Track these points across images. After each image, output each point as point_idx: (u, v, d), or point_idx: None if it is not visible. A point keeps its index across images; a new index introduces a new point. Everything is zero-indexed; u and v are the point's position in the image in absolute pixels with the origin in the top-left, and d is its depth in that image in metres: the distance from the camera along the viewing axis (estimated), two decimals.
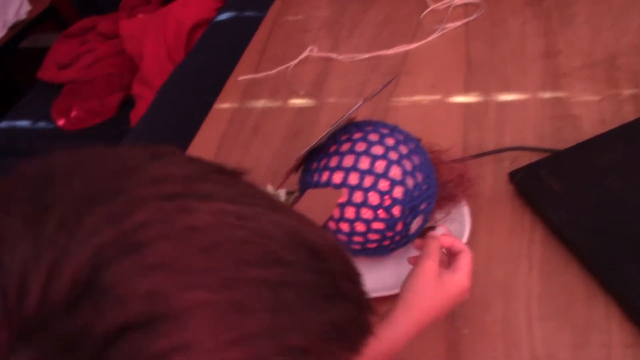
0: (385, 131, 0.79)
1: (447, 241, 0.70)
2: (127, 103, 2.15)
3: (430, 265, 0.67)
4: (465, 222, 0.83)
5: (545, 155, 0.91)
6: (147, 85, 2.12)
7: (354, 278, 0.38)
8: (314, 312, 0.33)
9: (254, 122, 1.14)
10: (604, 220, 0.78)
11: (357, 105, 0.81)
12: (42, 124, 2.19)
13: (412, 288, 0.67)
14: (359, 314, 0.37)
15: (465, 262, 0.68)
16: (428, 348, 0.73)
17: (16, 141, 2.12)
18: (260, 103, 1.18)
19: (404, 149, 0.77)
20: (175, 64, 2.11)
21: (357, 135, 0.78)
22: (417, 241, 0.73)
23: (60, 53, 2.38)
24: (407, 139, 0.79)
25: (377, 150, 0.76)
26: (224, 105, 1.21)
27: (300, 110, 1.14)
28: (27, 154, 1.36)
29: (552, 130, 0.96)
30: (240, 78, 1.25)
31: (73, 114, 2.15)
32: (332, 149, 0.78)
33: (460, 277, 0.67)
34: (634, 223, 0.76)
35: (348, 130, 0.80)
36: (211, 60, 1.65)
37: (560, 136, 0.95)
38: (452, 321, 0.75)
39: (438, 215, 0.84)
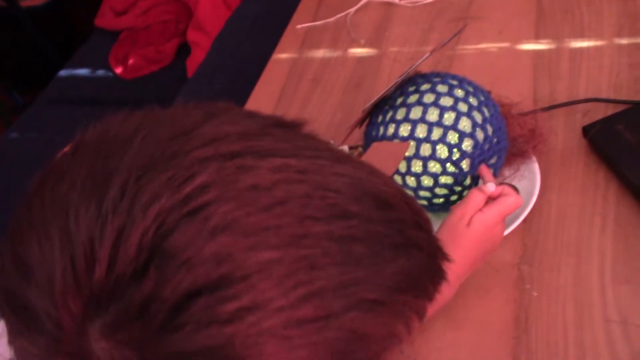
0: (454, 82, 0.75)
1: (497, 191, 0.66)
2: (183, 50, 2.14)
3: (457, 213, 0.65)
4: (535, 179, 0.79)
5: (622, 107, 0.85)
6: (202, 31, 2.11)
7: (424, 225, 0.36)
8: (385, 263, 0.32)
9: (313, 73, 1.11)
10: None
11: (425, 57, 0.77)
12: (100, 72, 2.21)
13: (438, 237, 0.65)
14: (431, 261, 0.36)
15: (500, 202, 0.65)
16: (496, 311, 0.72)
17: (77, 90, 2.15)
18: (320, 53, 1.15)
19: (474, 101, 0.74)
20: (231, 9, 2.08)
21: (424, 87, 0.75)
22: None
23: None
24: (477, 90, 0.76)
25: (446, 101, 0.73)
26: (282, 55, 1.18)
27: (361, 60, 1.11)
28: (89, 103, 1.38)
29: (629, 80, 0.90)
30: (299, 26, 1.21)
31: (130, 61, 2.16)
32: (399, 101, 0.75)
33: (487, 215, 0.64)
34: None
35: (415, 81, 0.76)
36: (267, 6, 1.61)
37: (639, 87, 0.89)
38: (521, 283, 0.73)
39: (507, 172, 0.81)
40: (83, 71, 2.24)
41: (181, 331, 0.29)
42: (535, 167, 0.81)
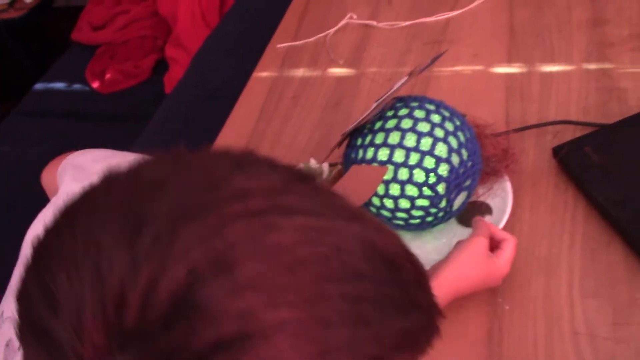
0: (431, 107, 0.78)
1: (493, 229, 0.76)
2: (161, 66, 2.16)
3: (483, 241, 0.73)
4: (507, 197, 0.83)
5: (589, 129, 0.90)
6: (181, 48, 2.13)
7: (425, 285, 0.39)
8: (390, 323, 0.34)
9: (293, 91, 1.14)
10: None
11: (404, 81, 0.81)
12: (77, 86, 2.21)
13: (463, 256, 0.72)
14: (429, 320, 0.38)
15: (509, 250, 0.74)
16: (470, 324, 0.75)
17: (53, 103, 2.15)
18: (300, 72, 1.18)
19: (450, 126, 0.77)
20: (210, 26, 2.11)
21: (402, 112, 0.78)
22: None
23: (95, 14, 2.39)
24: (453, 115, 0.79)
25: (423, 127, 0.76)
26: (263, 73, 1.21)
27: (340, 79, 1.14)
28: (64, 117, 1.38)
29: (597, 103, 0.95)
30: (279, 46, 1.25)
31: (107, 76, 2.17)
32: (378, 125, 0.78)
33: (504, 263, 0.73)
34: None
35: (393, 106, 0.80)
36: (247, 25, 1.64)
37: (606, 110, 0.93)
38: (494, 297, 0.76)
39: (480, 190, 0.84)
40: (59, 85, 2.24)
41: None
42: (508, 185, 0.84)
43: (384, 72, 1.12)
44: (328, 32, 1.24)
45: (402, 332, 0.35)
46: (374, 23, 1.22)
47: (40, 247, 0.36)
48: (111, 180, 0.37)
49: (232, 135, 1.11)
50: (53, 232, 0.36)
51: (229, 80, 1.42)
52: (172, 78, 2.06)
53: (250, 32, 1.61)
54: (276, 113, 1.11)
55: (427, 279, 0.39)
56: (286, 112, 1.10)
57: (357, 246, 0.35)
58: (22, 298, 0.36)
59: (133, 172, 0.37)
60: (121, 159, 0.71)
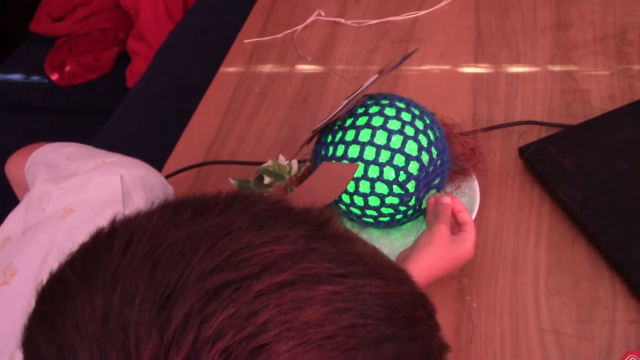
0: (401, 106, 0.78)
1: (458, 206, 0.76)
2: (123, 59, 2.12)
3: (444, 228, 0.74)
4: (475, 196, 0.84)
5: (555, 130, 0.91)
6: (143, 42, 2.09)
7: (437, 329, 0.40)
8: None
9: (260, 87, 1.13)
10: (613, 199, 0.79)
11: (374, 79, 0.81)
12: (35, 78, 2.15)
13: (427, 244, 0.73)
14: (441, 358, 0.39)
15: (472, 233, 0.75)
16: (439, 320, 0.75)
17: (10, 96, 2.09)
18: (267, 68, 1.17)
19: (420, 125, 0.78)
20: (174, 20, 2.08)
21: (373, 110, 0.78)
22: (430, 199, 0.78)
23: (53, 5, 2.32)
24: (423, 113, 0.79)
25: (394, 125, 0.76)
26: (230, 69, 1.20)
27: (308, 76, 1.13)
28: (22, 109, 1.34)
29: (561, 104, 0.96)
30: (247, 41, 1.23)
31: (67, 68, 2.12)
32: (348, 122, 0.78)
33: (468, 246, 0.74)
34: None
35: (364, 103, 0.79)
36: (213, 19, 1.62)
37: (570, 111, 0.95)
38: (462, 295, 0.77)
39: (449, 189, 0.85)
40: (16, 76, 2.18)
41: None
42: (475, 184, 0.85)
43: (352, 69, 1.12)
44: (296, 28, 1.23)
45: None
46: (342, 21, 1.22)
47: (52, 304, 0.35)
48: (128, 242, 0.35)
49: (199, 130, 1.09)
50: (65, 290, 0.35)
51: (194, 74, 1.40)
52: (135, 72, 2.03)
53: (215, 26, 1.59)
54: (243, 109, 1.10)
55: (437, 321, 0.40)
56: (253, 108, 1.09)
57: (379, 308, 0.35)
58: (35, 357, 0.34)
59: (152, 235, 0.35)
60: (98, 160, 0.69)
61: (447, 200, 0.76)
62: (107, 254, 0.35)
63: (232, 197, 0.39)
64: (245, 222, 0.36)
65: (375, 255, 0.39)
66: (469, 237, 0.74)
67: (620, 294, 0.73)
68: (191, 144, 1.06)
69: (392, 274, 0.38)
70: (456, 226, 0.76)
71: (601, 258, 0.77)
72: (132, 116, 1.40)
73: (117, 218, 0.37)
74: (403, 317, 0.36)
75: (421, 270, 0.71)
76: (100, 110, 1.93)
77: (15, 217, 0.63)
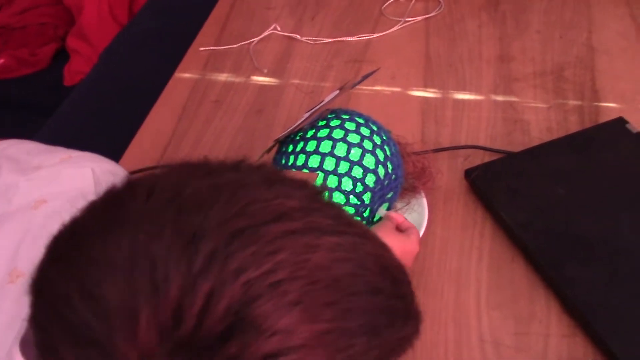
0: (361, 121, 0.82)
1: (399, 218, 0.81)
2: (61, 55, 2.07)
3: (389, 223, 0.79)
4: (423, 212, 0.88)
5: (497, 155, 0.97)
6: (84, 40, 2.05)
7: (414, 295, 0.44)
8: (394, 332, 0.39)
9: (216, 95, 1.14)
10: (549, 222, 0.85)
11: (336, 94, 0.84)
12: None
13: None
14: (419, 326, 0.44)
15: (415, 232, 0.79)
16: None
17: None
18: (223, 76, 1.19)
19: (377, 140, 0.81)
20: (117, 21, 2.05)
21: (334, 123, 0.81)
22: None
23: None
24: (380, 130, 0.83)
25: (353, 138, 0.80)
26: (184, 75, 1.20)
27: (263, 87, 1.16)
28: None
29: (503, 132, 1.03)
30: (202, 49, 1.24)
31: (1, 61, 2.05)
32: (310, 133, 0.81)
33: (413, 239, 0.78)
34: (578, 227, 0.84)
35: (325, 117, 0.83)
36: (162, 23, 1.61)
37: (511, 138, 1.01)
38: None
39: (399, 204, 0.89)
40: None
41: None
42: (424, 202, 0.89)
43: (306, 84, 1.15)
44: (252, 40, 1.25)
45: (402, 339, 0.40)
46: (297, 37, 1.25)
47: (72, 247, 0.36)
48: (151, 190, 0.37)
49: (152, 133, 1.09)
50: (88, 234, 0.36)
51: (143, 78, 1.39)
52: (73, 70, 1.98)
53: (165, 31, 1.59)
54: (198, 115, 1.11)
55: (413, 291, 0.44)
56: (208, 114, 1.10)
57: (373, 263, 0.39)
58: (51, 296, 0.35)
59: (174, 185, 0.38)
60: (63, 155, 0.68)
61: (392, 214, 0.81)
62: (130, 200, 0.37)
63: (238, 160, 0.42)
64: (258, 179, 0.40)
65: (364, 225, 0.44)
66: (413, 232, 0.79)
67: (554, 309, 0.79)
68: (144, 146, 1.06)
69: (379, 240, 0.43)
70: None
71: (537, 276, 0.82)
72: (75, 116, 1.37)
73: (128, 177, 0.40)
74: (391, 276, 0.40)
75: None
76: (34, 106, 1.88)
77: None
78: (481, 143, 1.01)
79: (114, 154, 1.06)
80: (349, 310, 0.36)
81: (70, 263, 0.36)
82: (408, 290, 0.43)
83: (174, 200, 0.36)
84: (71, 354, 0.34)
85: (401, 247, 0.77)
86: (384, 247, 0.42)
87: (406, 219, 0.80)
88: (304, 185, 0.42)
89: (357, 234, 0.40)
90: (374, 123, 0.84)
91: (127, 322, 0.32)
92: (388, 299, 0.39)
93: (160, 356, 0.32)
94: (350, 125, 0.81)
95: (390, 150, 0.82)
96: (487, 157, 0.98)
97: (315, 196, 0.41)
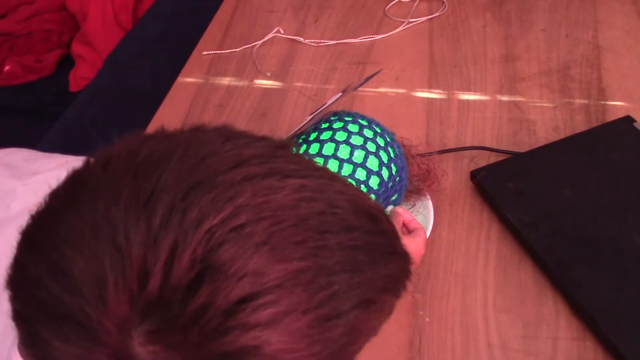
0: (364, 123, 0.81)
1: (408, 216, 0.78)
2: (66, 62, 2.07)
3: (395, 225, 0.74)
4: (429, 215, 0.87)
5: (503, 156, 0.96)
6: (89, 46, 2.05)
7: (397, 234, 0.44)
8: (379, 268, 0.39)
9: (219, 99, 1.14)
10: (557, 223, 0.84)
11: (339, 97, 0.83)
12: None
13: None
14: (406, 265, 0.43)
15: (422, 234, 0.77)
16: (393, 335, 0.77)
17: None
18: (226, 80, 1.18)
19: (381, 141, 0.80)
20: (122, 26, 2.05)
21: (337, 125, 0.80)
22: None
23: None
24: (384, 132, 0.82)
25: (357, 140, 0.79)
26: (188, 79, 1.20)
27: (267, 90, 1.15)
28: None
29: (509, 132, 1.02)
30: (205, 53, 1.24)
31: (7, 68, 2.06)
32: (313, 136, 0.80)
33: (419, 241, 0.75)
34: (585, 228, 0.83)
35: (327, 119, 0.82)
36: (166, 29, 1.62)
37: (517, 139, 1.00)
38: (415, 310, 0.80)
39: (404, 207, 0.88)
40: None
41: (229, 334, 0.32)
42: (430, 204, 0.88)
43: (310, 87, 1.15)
44: (255, 44, 1.25)
45: (388, 277, 0.40)
46: (301, 39, 1.25)
47: (39, 231, 0.36)
48: (107, 161, 0.37)
49: None
50: (52, 215, 0.36)
51: (147, 83, 1.39)
52: (79, 76, 1.98)
53: (169, 36, 1.59)
54: (202, 119, 1.10)
55: (396, 229, 0.44)
56: (212, 119, 1.10)
57: (344, 202, 0.38)
58: (24, 281, 0.35)
59: (129, 151, 0.37)
60: (60, 160, 0.68)
61: (399, 209, 0.79)
62: (87, 175, 0.37)
63: (194, 125, 0.42)
64: (215, 135, 0.40)
65: (331, 170, 0.43)
66: (419, 233, 0.76)
67: (563, 312, 0.78)
68: None
69: (349, 182, 0.43)
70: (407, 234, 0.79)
71: (545, 279, 0.81)
72: (80, 121, 1.37)
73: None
74: (367, 214, 0.40)
75: None
76: (39, 112, 1.88)
77: None
78: (487, 144, 0.99)
79: None
80: (323, 247, 0.36)
81: (38, 246, 0.36)
82: (388, 227, 0.42)
83: (129, 166, 0.36)
84: (50, 333, 0.34)
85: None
86: (354, 188, 0.42)
87: (415, 218, 0.79)
88: (266, 138, 0.41)
89: (323, 176, 0.40)
90: (377, 125, 0.83)
91: (96, 290, 0.32)
92: (366, 235, 0.39)
93: (133, 319, 0.32)
94: (353, 127, 0.80)
95: (394, 152, 0.81)
96: (493, 158, 0.97)
97: (277, 146, 0.40)
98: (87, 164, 0.38)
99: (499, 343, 0.76)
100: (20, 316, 0.36)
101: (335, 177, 0.41)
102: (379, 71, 0.93)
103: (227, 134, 0.40)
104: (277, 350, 0.33)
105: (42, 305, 0.34)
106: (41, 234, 0.36)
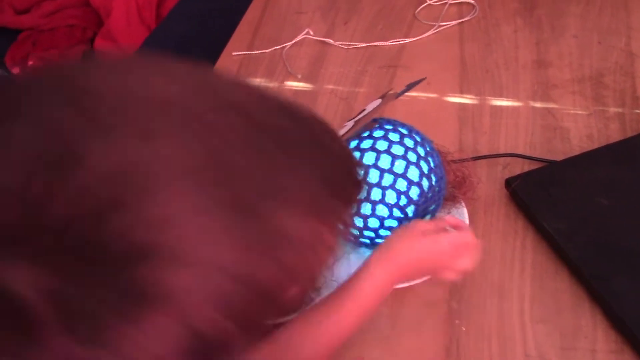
0: (404, 132, 0.81)
1: (453, 220, 0.75)
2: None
3: (419, 224, 0.72)
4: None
5: (537, 164, 0.96)
6: (113, 42, 2.06)
7: (333, 135, 0.40)
8: (308, 169, 0.36)
9: None
10: (594, 233, 0.84)
11: (378, 104, 0.83)
12: None
13: (397, 235, 0.72)
14: (349, 168, 0.40)
15: (454, 232, 0.73)
16: (429, 344, 0.78)
17: None
18: (256, 81, 1.18)
19: (421, 151, 0.80)
20: (145, 23, 2.06)
21: (377, 134, 0.80)
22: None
23: None
24: (424, 141, 0.82)
25: (397, 150, 0.79)
26: None
27: (297, 92, 1.15)
28: None
29: (542, 140, 1.01)
30: (235, 53, 1.24)
31: (30, 63, 2.07)
32: (353, 144, 0.80)
33: (446, 242, 0.71)
34: (622, 239, 0.83)
35: (368, 127, 0.82)
36: (191, 28, 1.62)
37: (550, 146, 1.00)
38: (451, 318, 0.80)
39: (440, 215, 0.88)
40: None
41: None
42: (465, 212, 0.88)
43: (340, 90, 1.15)
44: (285, 45, 1.25)
45: (325, 178, 0.37)
46: (331, 41, 1.25)
47: None
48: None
49: None
50: None
51: None
52: None
53: (194, 35, 1.59)
54: None
55: (335, 132, 0.41)
56: None
57: (223, 85, 0.38)
58: None
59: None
60: None
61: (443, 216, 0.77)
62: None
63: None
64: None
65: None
66: (449, 234, 0.72)
67: (600, 324, 0.78)
68: None
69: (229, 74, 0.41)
70: None
71: (582, 289, 0.81)
72: None
73: None
74: (257, 95, 0.38)
75: (384, 262, 0.70)
76: None
77: None
78: (520, 151, 0.99)
79: None
80: (207, 127, 0.33)
81: None
82: (314, 121, 0.39)
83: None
84: None
85: (424, 249, 0.71)
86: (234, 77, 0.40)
87: (461, 222, 0.76)
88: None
89: (189, 68, 0.38)
90: (417, 134, 0.83)
91: None
92: (267, 117, 0.36)
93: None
94: (393, 137, 0.80)
95: (433, 162, 0.81)
96: (527, 166, 0.97)
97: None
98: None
99: (536, 354, 0.76)
100: None
101: (207, 68, 0.40)
102: (423, 79, 0.93)
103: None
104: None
105: None
106: None
